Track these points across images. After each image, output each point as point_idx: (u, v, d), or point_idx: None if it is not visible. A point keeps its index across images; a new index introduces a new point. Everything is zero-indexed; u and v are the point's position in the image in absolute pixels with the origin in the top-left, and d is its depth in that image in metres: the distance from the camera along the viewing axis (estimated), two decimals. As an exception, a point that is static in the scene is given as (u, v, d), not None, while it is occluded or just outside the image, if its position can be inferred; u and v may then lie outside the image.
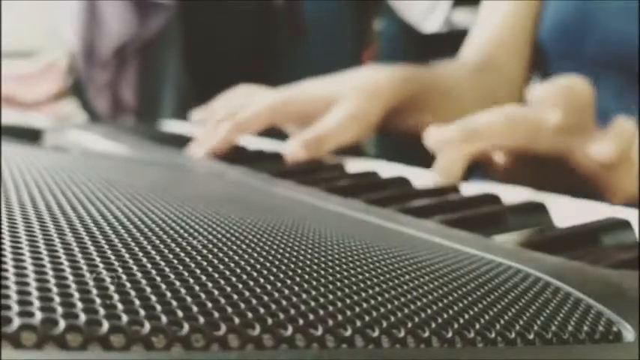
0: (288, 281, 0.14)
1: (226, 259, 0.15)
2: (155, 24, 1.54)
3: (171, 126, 0.91)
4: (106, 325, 0.11)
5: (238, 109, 0.60)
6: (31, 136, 0.41)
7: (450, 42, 0.98)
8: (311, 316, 0.13)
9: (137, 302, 0.12)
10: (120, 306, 0.11)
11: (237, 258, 0.16)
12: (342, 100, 0.58)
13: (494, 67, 0.71)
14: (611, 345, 0.16)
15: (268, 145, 0.64)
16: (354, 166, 0.55)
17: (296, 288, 0.14)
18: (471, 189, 0.46)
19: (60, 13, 1.61)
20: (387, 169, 0.52)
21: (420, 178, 0.49)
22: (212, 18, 1.46)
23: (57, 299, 0.11)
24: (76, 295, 0.11)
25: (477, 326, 0.15)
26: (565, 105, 0.47)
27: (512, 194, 0.45)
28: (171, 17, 1.52)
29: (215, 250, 0.16)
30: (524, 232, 0.33)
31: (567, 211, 0.41)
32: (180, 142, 0.65)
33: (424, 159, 0.54)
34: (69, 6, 1.58)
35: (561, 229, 0.36)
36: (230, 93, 0.71)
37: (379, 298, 0.15)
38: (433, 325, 0.14)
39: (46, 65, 1.64)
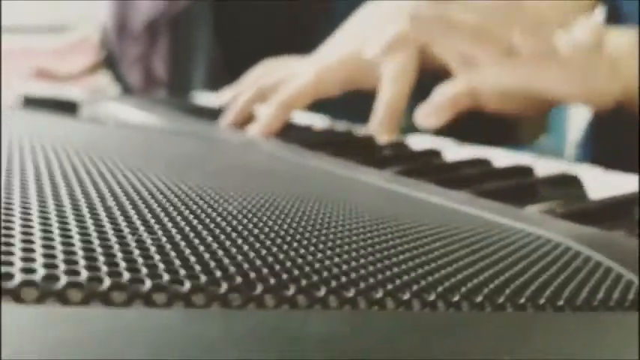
0: (321, 245, 0.15)
1: (261, 225, 0.16)
2: (186, -3, 1.55)
3: (203, 98, 0.92)
4: (149, 284, 0.11)
5: (273, 83, 0.59)
6: (68, 108, 0.42)
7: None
8: (343, 279, 0.13)
9: (177, 262, 0.12)
10: (161, 265, 0.12)
11: (271, 223, 0.16)
12: (385, 58, 0.55)
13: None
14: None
15: (302, 118, 0.64)
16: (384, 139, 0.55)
17: (328, 252, 0.14)
18: (502, 160, 0.45)
19: (92, -13, 1.62)
20: (420, 142, 0.52)
21: (452, 150, 0.49)
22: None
23: (100, 259, 0.11)
24: (119, 254, 0.12)
25: (507, 292, 0.15)
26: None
27: (545, 165, 0.45)
28: (202, -10, 1.52)
29: (250, 215, 0.16)
30: (557, 203, 0.33)
31: (601, 183, 0.40)
32: (213, 113, 0.65)
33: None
34: (101, -20, 1.59)
35: (596, 200, 0.36)
36: (257, 70, 0.70)
37: (410, 263, 0.15)
38: (463, 289, 0.14)
39: (80, 39, 1.66)
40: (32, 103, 0.41)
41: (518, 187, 0.39)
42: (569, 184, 0.40)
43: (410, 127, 0.60)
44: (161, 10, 1.57)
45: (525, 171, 0.43)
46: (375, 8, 0.64)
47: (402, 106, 0.56)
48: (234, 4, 1.48)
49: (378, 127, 0.54)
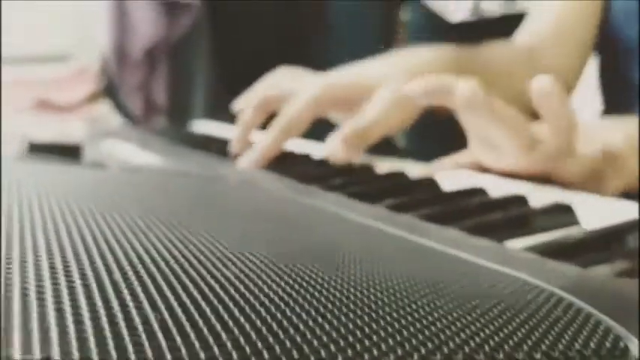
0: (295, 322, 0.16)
1: (237, 295, 0.17)
2: (183, 24, 1.57)
3: (203, 126, 0.93)
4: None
5: (278, 95, 0.59)
6: (71, 152, 0.43)
7: (478, 31, 0.97)
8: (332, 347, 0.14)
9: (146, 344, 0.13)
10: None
11: (247, 294, 0.17)
12: (386, 84, 0.56)
13: (535, 58, 0.69)
14: (616, 361, 0.17)
15: (303, 146, 0.64)
16: (383, 167, 0.55)
17: (318, 320, 0.15)
18: (499, 189, 0.46)
19: (91, 17, 1.64)
20: (416, 170, 0.53)
21: (449, 179, 0.50)
22: (239, 17, 1.47)
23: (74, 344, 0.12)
24: (92, 339, 0.13)
25: (487, 348, 0.16)
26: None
27: (539, 195, 0.46)
28: (199, 17, 1.54)
29: (235, 283, 0.17)
30: (547, 239, 0.34)
31: (594, 212, 0.41)
32: (213, 145, 0.66)
33: (457, 143, 0.54)
34: (100, 9, 1.61)
35: (584, 233, 0.37)
36: (271, 76, 0.70)
37: (395, 326, 0.16)
38: (445, 350, 0.15)
39: (79, 68, 1.68)
40: (37, 149, 0.42)
41: (512, 219, 0.40)
42: (562, 214, 0.41)
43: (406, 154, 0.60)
44: (160, 37, 1.59)
45: (520, 201, 0.44)
46: (408, 54, 0.64)
47: (373, 135, 0.55)
48: (232, 29, 1.50)
49: (338, 145, 0.53)
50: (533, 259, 0.27)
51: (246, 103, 0.66)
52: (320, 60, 1.41)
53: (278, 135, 0.54)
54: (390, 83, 0.55)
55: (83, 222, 0.22)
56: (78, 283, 0.15)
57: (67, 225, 0.21)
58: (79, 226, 0.21)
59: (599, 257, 0.32)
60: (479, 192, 0.47)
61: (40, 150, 0.42)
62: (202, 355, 0.13)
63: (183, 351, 0.13)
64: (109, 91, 1.65)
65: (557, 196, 0.45)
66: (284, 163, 0.55)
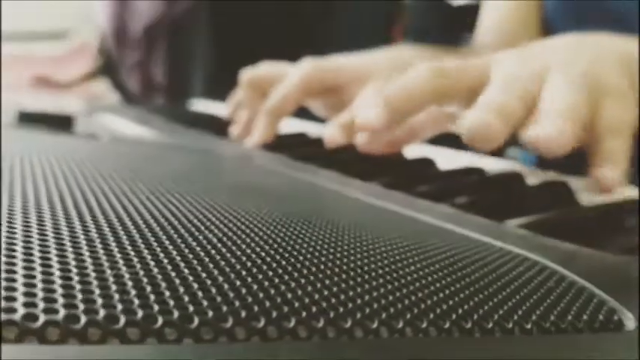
0: (296, 274, 0.15)
1: (238, 252, 0.16)
2: (183, 3, 1.55)
3: (201, 105, 0.93)
4: (122, 320, 0.12)
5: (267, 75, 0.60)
6: (63, 123, 0.42)
7: (479, 15, 0.96)
8: (313, 309, 0.14)
9: (152, 297, 0.13)
10: (136, 301, 0.12)
11: (249, 251, 0.17)
12: (375, 78, 0.57)
13: (510, 44, 0.70)
14: (610, 334, 0.17)
15: (299, 126, 0.64)
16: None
17: (303, 280, 0.15)
18: (495, 168, 0.46)
19: (91, -6, 1.63)
20: (414, 150, 0.52)
21: (444, 157, 0.50)
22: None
23: (79, 296, 0.12)
24: (97, 291, 0.12)
25: (475, 316, 0.15)
26: None
27: (535, 174, 0.45)
28: (200, -4, 1.53)
29: (229, 243, 0.17)
30: (540, 216, 0.34)
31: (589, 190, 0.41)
32: (210, 123, 0.66)
33: (453, 139, 0.54)
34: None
35: (580, 209, 0.36)
36: (252, 70, 0.71)
37: (381, 290, 0.15)
38: (431, 315, 0.15)
39: (78, 46, 1.67)
40: (27, 118, 0.42)
41: (509, 197, 0.40)
42: (559, 191, 0.41)
43: None
44: (159, 15, 1.57)
45: (516, 178, 0.44)
46: (397, 51, 0.64)
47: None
48: (232, 9, 1.48)
49: (338, 126, 0.52)
50: (529, 235, 0.27)
51: (235, 104, 0.66)
52: (320, 39, 1.41)
53: (269, 119, 0.55)
54: (376, 77, 0.56)
55: (66, 185, 0.21)
56: (68, 238, 0.15)
57: (52, 187, 0.21)
58: (62, 189, 0.21)
59: (597, 235, 0.31)
60: (475, 170, 0.46)
61: (31, 119, 0.41)
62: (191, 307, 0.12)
63: (171, 303, 0.12)
64: (108, 69, 1.64)
65: (553, 175, 0.44)
66: (280, 142, 0.55)
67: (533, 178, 0.44)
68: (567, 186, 0.41)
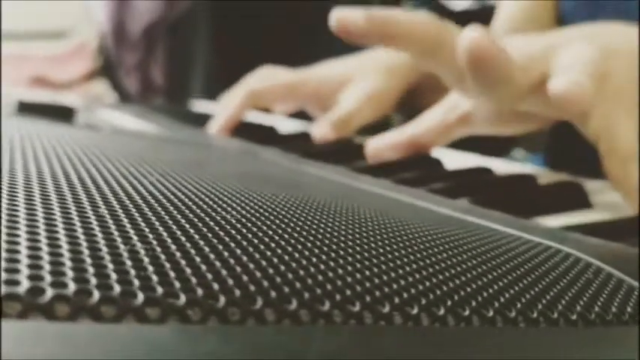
0: (325, 257, 0.14)
1: (261, 234, 0.15)
2: (183, 3, 1.54)
3: (201, 106, 0.92)
4: (140, 297, 0.10)
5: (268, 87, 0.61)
6: (63, 114, 0.41)
7: (481, 19, 0.96)
8: (348, 292, 0.12)
9: (172, 274, 0.11)
10: (155, 278, 0.11)
11: (271, 233, 0.15)
12: (359, 79, 0.58)
13: None
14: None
15: (298, 126, 0.63)
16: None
17: (333, 263, 0.14)
18: (506, 169, 0.45)
19: (90, -6, 1.62)
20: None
21: (452, 158, 0.49)
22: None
23: (91, 270, 0.11)
24: (110, 266, 0.11)
25: (519, 305, 0.14)
26: None
27: (547, 175, 0.44)
28: (200, -3, 1.52)
29: (249, 224, 0.16)
30: (563, 216, 0.32)
31: (602, 192, 0.40)
32: (208, 121, 0.64)
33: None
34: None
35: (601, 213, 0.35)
36: (251, 76, 0.71)
37: (417, 276, 0.14)
38: (473, 304, 0.13)
39: (77, 46, 1.65)
40: (27, 108, 0.40)
41: (522, 196, 0.39)
42: (571, 193, 0.40)
43: None
44: (159, 16, 1.56)
45: (528, 179, 0.43)
46: (383, 52, 0.65)
47: (358, 119, 0.56)
48: (232, 10, 1.47)
49: (328, 123, 0.54)
50: (555, 229, 0.26)
51: (228, 102, 0.67)
52: (320, 40, 1.40)
53: (245, 97, 0.55)
54: (363, 79, 0.57)
55: (71, 165, 0.20)
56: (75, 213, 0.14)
57: (56, 167, 0.19)
58: (67, 168, 0.19)
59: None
60: (484, 170, 0.45)
61: (31, 110, 0.40)
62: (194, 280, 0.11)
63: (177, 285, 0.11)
64: (107, 70, 1.63)
65: (565, 177, 0.43)
66: (279, 140, 0.55)
67: (545, 178, 0.43)
68: (581, 187, 0.39)
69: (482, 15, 1.09)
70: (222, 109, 0.60)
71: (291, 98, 0.60)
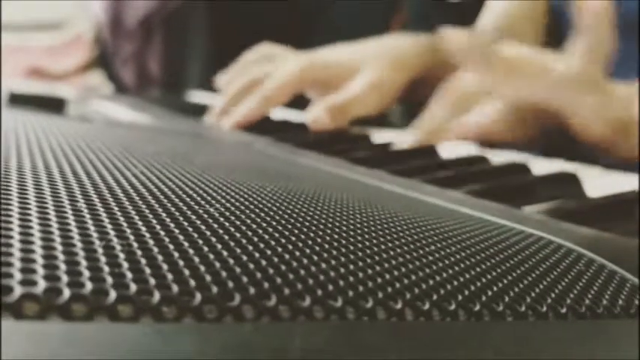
0: (307, 250, 0.14)
1: (244, 227, 0.15)
2: (180, -6, 1.53)
3: (198, 97, 0.91)
4: (113, 295, 0.10)
5: (262, 77, 0.59)
6: (55, 105, 0.41)
7: (479, 9, 0.95)
8: (330, 287, 0.12)
9: (147, 271, 0.11)
10: (129, 275, 0.11)
11: (255, 226, 0.15)
12: (365, 68, 0.58)
13: (512, 36, 0.70)
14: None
15: (293, 115, 0.63)
16: (380, 136, 0.54)
17: (315, 257, 0.13)
18: (499, 158, 0.45)
19: (86, -15, 1.61)
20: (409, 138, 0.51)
21: (447, 148, 0.48)
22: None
23: (62, 267, 0.10)
24: (83, 262, 0.11)
25: (507, 299, 0.14)
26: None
27: (543, 165, 0.44)
28: (197, -13, 1.51)
29: (232, 217, 0.15)
30: (555, 203, 0.32)
31: (599, 182, 0.39)
32: (206, 112, 0.64)
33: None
34: (95, -23, 1.58)
35: (594, 199, 0.35)
36: (251, 53, 0.70)
37: (403, 269, 0.14)
38: (460, 297, 0.13)
39: (74, 37, 1.64)
40: (19, 100, 0.40)
41: (515, 186, 0.38)
42: (567, 183, 0.39)
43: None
44: (155, 7, 1.55)
45: (522, 169, 0.42)
46: (389, 40, 0.65)
47: (358, 108, 0.55)
48: (228, 1, 1.46)
49: (325, 110, 0.53)
50: (547, 219, 0.25)
51: (228, 80, 0.66)
52: (318, 30, 1.39)
53: (260, 101, 0.54)
54: (369, 69, 0.57)
55: (66, 161, 0.20)
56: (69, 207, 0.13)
57: (50, 160, 0.19)
58: (61, 163, 0.19)
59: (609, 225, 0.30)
60: (479, 159, 0.45)
61: (22, 101, 0.40)
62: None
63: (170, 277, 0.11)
64: (103, 61, 1.62)
65: (562, 166, 0.43)
66: (278, 130, 0.54)
67: (539, 166, 0.42)
68: (575, 175, 0.39)
69: (480, 5, 1.08)
70: (225, 98, 0.58)
71: (298, 89, 0.59)
